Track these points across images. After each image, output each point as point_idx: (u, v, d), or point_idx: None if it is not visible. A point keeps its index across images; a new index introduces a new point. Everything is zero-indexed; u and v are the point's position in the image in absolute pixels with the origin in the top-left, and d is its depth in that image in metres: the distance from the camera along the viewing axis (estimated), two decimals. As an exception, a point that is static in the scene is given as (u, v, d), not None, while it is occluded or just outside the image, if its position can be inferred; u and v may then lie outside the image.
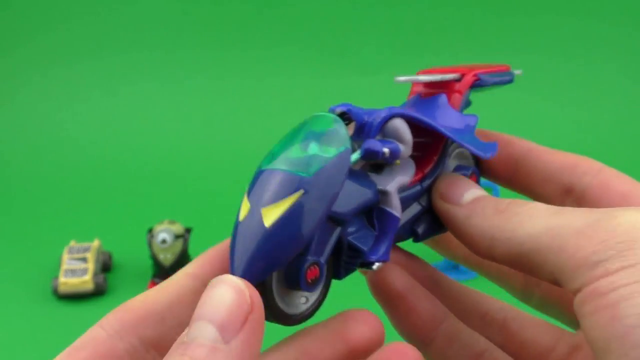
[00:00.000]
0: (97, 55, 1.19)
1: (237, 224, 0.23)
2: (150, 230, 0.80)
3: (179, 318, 0.23)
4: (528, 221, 0.23)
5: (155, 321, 0.23)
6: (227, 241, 0.25)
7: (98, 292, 0.77)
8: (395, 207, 0.26)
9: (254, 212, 0.23)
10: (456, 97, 0.29)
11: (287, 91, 1.19)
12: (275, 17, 1.19)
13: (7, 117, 1.16)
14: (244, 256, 0.22)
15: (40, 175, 1.08)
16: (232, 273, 0.22)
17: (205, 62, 1.21)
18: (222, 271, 0.24)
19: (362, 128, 0.26)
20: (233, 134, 1.16)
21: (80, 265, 0.78)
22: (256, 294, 0.21)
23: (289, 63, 1.21)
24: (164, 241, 0.78)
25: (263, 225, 0.22)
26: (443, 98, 0.29)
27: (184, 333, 0.20)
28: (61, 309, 0.74)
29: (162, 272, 0.78)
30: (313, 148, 0.24)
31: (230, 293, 0.20)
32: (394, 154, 0.25)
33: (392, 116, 0.26)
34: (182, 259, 0.79)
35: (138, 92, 1.19)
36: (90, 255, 0.79)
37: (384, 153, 0.25)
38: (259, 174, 0.24)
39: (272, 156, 0.24)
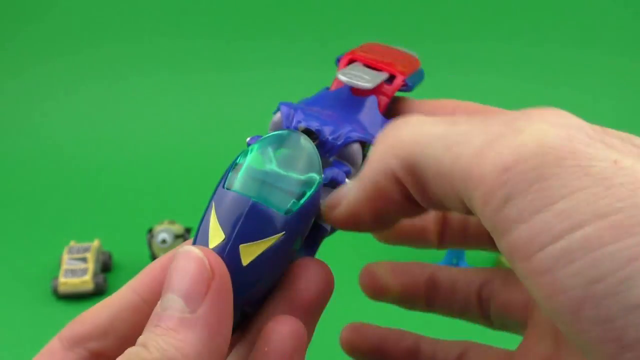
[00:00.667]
0: (94, 49, 1.19)
1: (201, 244, 0.23)
2: (150, 230, 0.80)
3: (120, 332, 0.24)
4: (426, 144, 0.20)
5: (99, 335, 0.24)
6: (169, 254, 0.25)
7: (98, 292, 0.77)
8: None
9: (232, 248, 0.22)
10: (383, 100, 0.29)
11: (294, 88, 1.19)
12: (283, 9, 1.18)
13: (6, 115, 1.16)
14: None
15: (40, 175, 1.08)
16: None
17: (207, 57, 1.21)
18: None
19: (323, 145, 0.25)
20: (235, 132, 1.16)
21: (80, 265, 0.78)
22: (217, 261, 0.21)
23: (297, 58, 1.19)
24: (164, 241, 0.78)
25: (240, 263, 0.22)
26: (373, 101, 0.29)
27: (157, 304, 0.21)
28: (61, 309, 0.74)
29: (162, 272, 0.79)
30: (290, 174, 0.23)
31: (191, 263, 0.21)
32: (347, 178, 0.25)
33: (353, 141, 0.26)
34: (182, 259, 0.80)
35: (138, 91, 1.19)
36: (90, 255, 0.79)
37: (344, 181, 0.25)
38: (232, 197, 0.23)
39: (245, 173, 0.24)
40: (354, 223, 0.23)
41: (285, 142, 0.24)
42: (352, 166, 0.26)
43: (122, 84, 1.19)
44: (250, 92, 1.17)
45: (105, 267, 0.83)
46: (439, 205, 0.20)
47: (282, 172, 0.23)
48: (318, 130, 0.25)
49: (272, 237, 0.22)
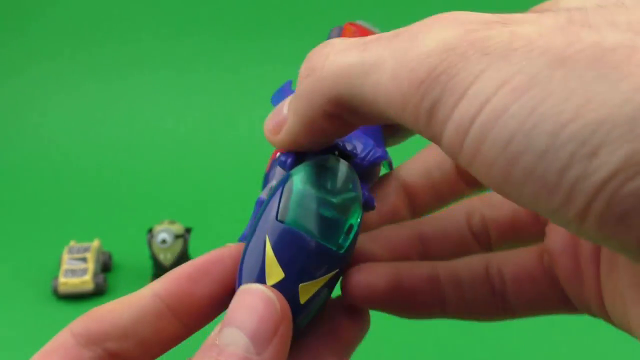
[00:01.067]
0: (95, 48, 1.19)
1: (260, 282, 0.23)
2: (150, 230, 0.80)
3: (141, 336, 0.23)
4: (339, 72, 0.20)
5: (118, 336, 0.23)
6: (195, 262, 0.24)
7: (98, 292, 0.77)
8: None
9: (291, 287, 0.22)
10: None
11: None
12: (283, 7, 1.18)
13: (6, 115, 1.16)
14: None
15: (39, 175, 1.08)
16: None
17: (208, 56, 1.20)
18: (188, 294, 0.24)
19: (354, 164, 0.25)
20: (235, 132, 1.16)
21: (80, 265, 0.78)
22: (285, 305, 0.21)
23: (298, 56, 1.19)
24: (164, 241, 0.78)
25: (299, 302, 0.22)
26: None
27: (213, 334, 0.20)
28: (61, 309, 0.74)
29: (162, 272, 0.78)
30: (339, 203, 0.23)
31: (259, 302, 0.20)
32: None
33: (380, 160, 0.26)
34: (182, 259, 0.79)
35: (138, 90, 1.19)
36: (90, 255, 0.79)
37: (373, 206, 0.26)
38: (291, 234, 0.23)
39: (298, 203, 0.23)
40: (294, 147, 0.24)
41: (329, 168, 0.24)
42: (369, 182, 0.27)
43: (122, 83, 1.19)
44: (251, 91, 1.17)
45: (105, 267, 0.83)
46: (376, 122, 0.22)
47: (333, 200, 0.23)
48: (354, 152, 0.26)
49: (329, 274, 0.23)
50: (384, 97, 0.19)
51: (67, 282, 0.76)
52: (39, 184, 1.06)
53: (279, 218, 0.23)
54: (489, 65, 0.16)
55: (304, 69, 0.22)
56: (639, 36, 0.16)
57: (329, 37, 0.31)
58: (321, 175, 0.24)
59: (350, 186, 0.24)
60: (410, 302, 0.25)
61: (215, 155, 1.14)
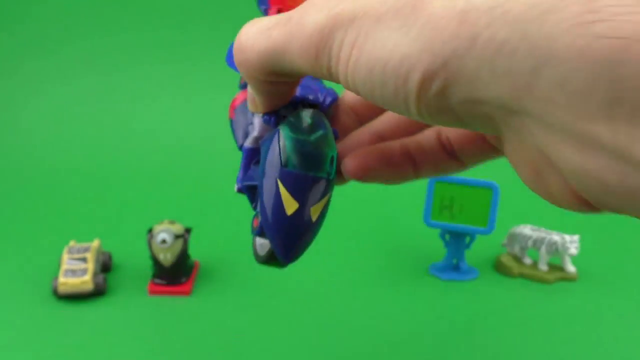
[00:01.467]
0: (92, 43, 1.18)
1: (281, 215, 0.31)
2: (150, 231, 0.80)
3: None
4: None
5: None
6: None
7: (98, 293, 0.77)
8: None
9: (304, 211, 0.32)
10: None
11: None
12: None
13: (4, 116, 1.16)
14: (298, 245, 0.32)
15: (40, 175, 1.07)
16: (281, 257, 0.32)
17: (209, 55, 1.20)
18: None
19: (314, 107, 0.36)
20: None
21: (80, 265, 0.78)
22: None
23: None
24: (163, 241, 0.78)
25: (311, 220, 0.32)
26: None
27: None
28: (61, 309, 0.74)
29: (162, 272, 0.79)
30: (316, 142, 0.32)
31: None
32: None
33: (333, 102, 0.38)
34: (182, 259, 0.79)
35: (137, 91, 1.19)
36: (90, 256, 0.79)
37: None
38: (296, 176, 0.31)
39: (294, 148, 0.32)
40: (270, 109, 0.33)
41: (303, 117, 0.33)
42: (330, 116, 0.38)
43: (120, 87, 1.19)
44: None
45: (105, 267, 0.83)
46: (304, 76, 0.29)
47: (312, 140, 0.32)
48: (317, 101, 0.36)
49: (327, 195, 0.32)
50: (299, 63, 0.26)
51: (67, 282, 0.76)
52: (38, 185, 1.06)
53: (282, 164, 0.31)
54: (347, 28, 0.24)
55: (236, 48, 0.29)
56: None
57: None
58: (300, 125, 0.32)
59: (322, 126, 0.33)
60: (391, 167, 0.35)
61: (216, 155, 1.13)
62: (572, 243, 0.83)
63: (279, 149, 0.32)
